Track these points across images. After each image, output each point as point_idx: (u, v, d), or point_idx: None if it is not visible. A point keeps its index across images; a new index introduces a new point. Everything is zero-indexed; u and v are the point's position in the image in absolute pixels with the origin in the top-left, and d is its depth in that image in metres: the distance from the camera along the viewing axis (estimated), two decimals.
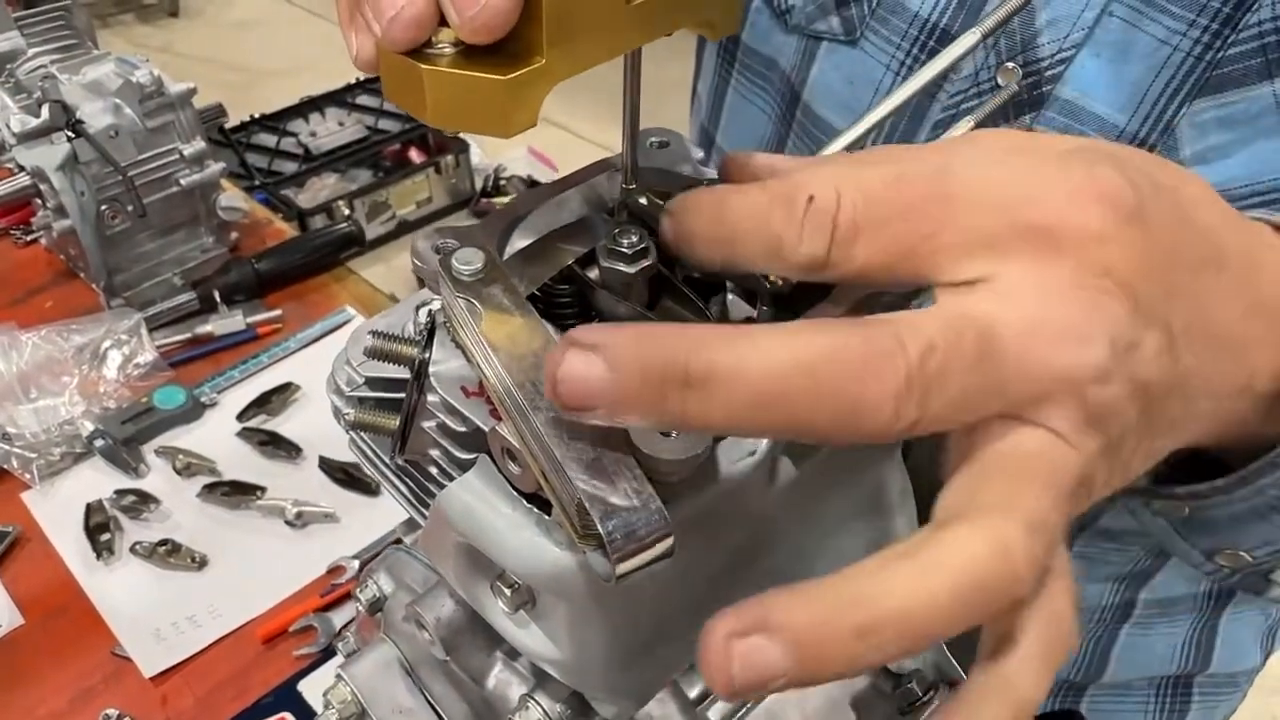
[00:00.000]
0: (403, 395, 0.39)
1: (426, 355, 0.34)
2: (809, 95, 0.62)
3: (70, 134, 0.99)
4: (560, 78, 0.28)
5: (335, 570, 0.85)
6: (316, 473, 0.93)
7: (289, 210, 2.63)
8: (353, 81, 3.07)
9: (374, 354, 0.34)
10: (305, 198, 2.76)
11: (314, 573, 0.85)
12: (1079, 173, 0.27)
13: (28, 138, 0.98)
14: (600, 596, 0.31)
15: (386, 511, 0.89)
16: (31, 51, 1.10)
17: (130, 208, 1.05)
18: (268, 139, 2.83)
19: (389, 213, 2.83)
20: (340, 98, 3.00)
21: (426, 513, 0.38)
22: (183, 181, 1.08)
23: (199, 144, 1.09)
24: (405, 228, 2.86)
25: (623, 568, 0.26)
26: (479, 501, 0.32)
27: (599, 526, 0.25)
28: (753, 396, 0.24)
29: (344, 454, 0.94)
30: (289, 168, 2.82)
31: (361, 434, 0.41)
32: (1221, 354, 0.30)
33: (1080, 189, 0.27)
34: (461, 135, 3.02)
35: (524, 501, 0.32)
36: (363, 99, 3.02)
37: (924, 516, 0.44)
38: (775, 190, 0.28)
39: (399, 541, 0.86)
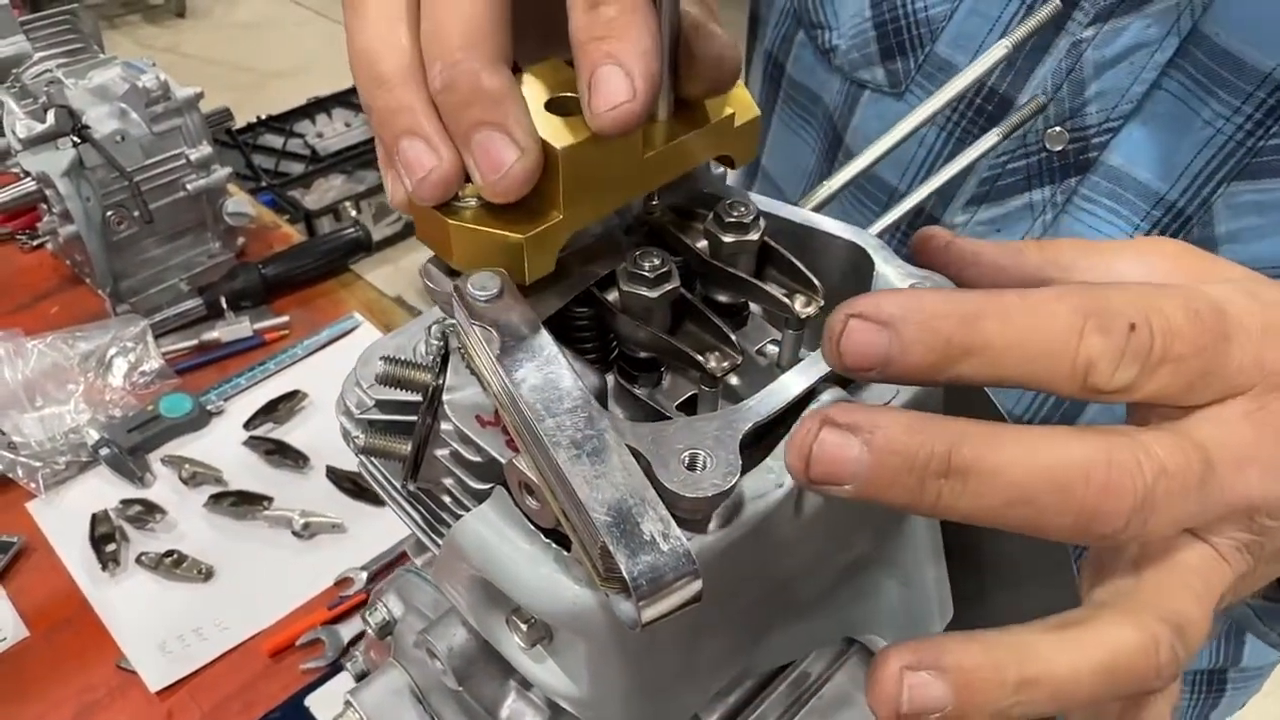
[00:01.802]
0: (414, 419, 0.38)
1: (440, 382, 0.32)
2: (851, 140, 0.63)
3: (76, 139, 0.98)
4: (577, 227, 0.30)
5: (343, 582, 0.84)
6: (324, 482, 0.92)
7: (295, 211, 2.63)
8: None
9: (386, 380, 0.33)
10: (312, 199, 2.76)
11: (321, 584, 0.84)
12: None
13: (33, 143, 0.97)
14: (621, 635, 0.30)
15: (395, 522, 0.88)
16: (37, 56, 1.09)
17: (136, 213, 1.04)
18: (274, 140, 2.83)
19: (395, 214, 2.82)
20: (347, 99, 3.00)
21: (439, 541, 0.37)
22: (189, 186, 1.08)
23: (205, 149, 1.08)
24: (412, 229, 2.84)
25: (648, 614, 0.24)
26: (495, 535, 0.31)
27: (624, 571, 0.24)
28: (1007, 495, 0.25)
29: (352, 463, 0.92)
30: (296, 169, 2.82)
31: (372, 459, 0.40)
32: None
33: None
34: None
35: (542, 536, 0.31)
36: None
37: (952, 561, 0.43)
38: (1089, 311, 0.26)
39: (404, 556, 0.85)
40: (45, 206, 1.05)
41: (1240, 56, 0.48)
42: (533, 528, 0.31)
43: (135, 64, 1.07)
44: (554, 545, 0.30)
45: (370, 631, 0.48)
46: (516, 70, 0.32)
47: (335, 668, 0.77)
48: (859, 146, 0.62)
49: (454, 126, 0.29)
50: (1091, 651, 0.27)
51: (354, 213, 2.69)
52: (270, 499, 0.89)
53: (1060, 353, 0.26)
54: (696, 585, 0.25)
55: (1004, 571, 0.46)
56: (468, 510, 0.35)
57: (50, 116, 0.98)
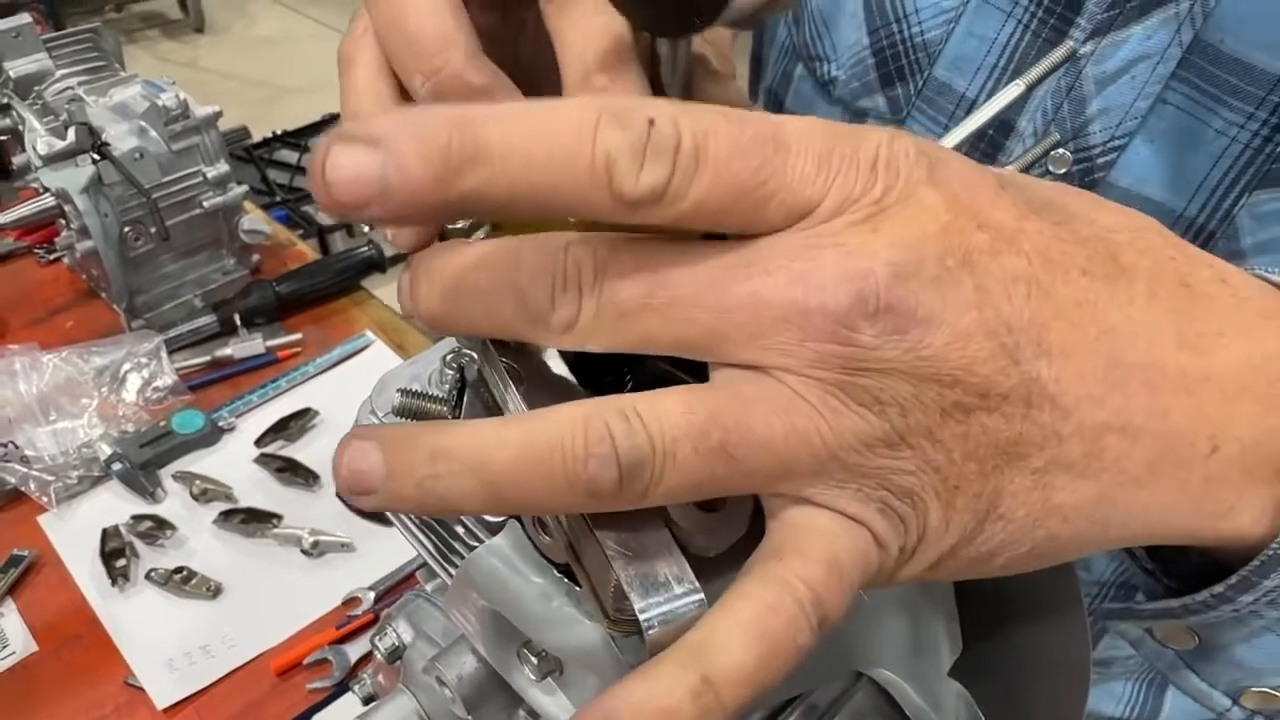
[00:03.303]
0: None
1: (457, 415, 0.33)
2: None
3: (95, 156, 0.99)
4: None
5: (351, 602, 0.84)
6: (333, 501, 0.92)
7: (309, 226, 2.65)
8: None
9: (402, 412, 0.33)
10: (325, 214, 2.78)
11: (329, 603, 0.84)
12: (877, 135, 0.26)
13: (54, 160, 0.98)
14: (631, 670, 0.30)
15: (403, 543, 0.88)
16: (60, 73, 1.10)
17: (154, 230, 1.05)
18: (289, 155, 2.85)
19: None
20: None
21: (450, 569, 0.37)
22: (205, 204, 1.08)
23: (223, 167, 1.09)
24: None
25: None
26: (507, 568, 0.31)
27: (637, 612, 0.24)
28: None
29: None
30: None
31: None
32: (1136, 386, 0.27)
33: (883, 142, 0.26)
34: None
35: (554, 570, 0.31)
36: None
37: (961, 595, 0.43)
38: (604, 107, 0.23)
39: (411, 577, 0.85)
40: (63, 221, 1.06)
41: (1249, 61, 0.46)
42: (545, 562, 0.31)
43: (155, 82, 1.08)
44: (566, 580, 0.30)
45: (379, 656, 0.48)
46: None
47: (342, 688, 0.77)
48: None
49: None
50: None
51: (366, 229, 2.71)
52: (280, 517, 0.89)
53: (575, 150, 0.22)
54: (702, 614, 0.25)
55: (1014, 606, 0.46)
56: (480, 541, 0.35)
57: (71, 134, 0.99)
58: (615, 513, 0.26)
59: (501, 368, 0.29)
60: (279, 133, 2.92)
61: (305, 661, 0.79)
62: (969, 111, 0.57)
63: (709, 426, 0.24)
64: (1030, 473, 0.26)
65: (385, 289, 1.18)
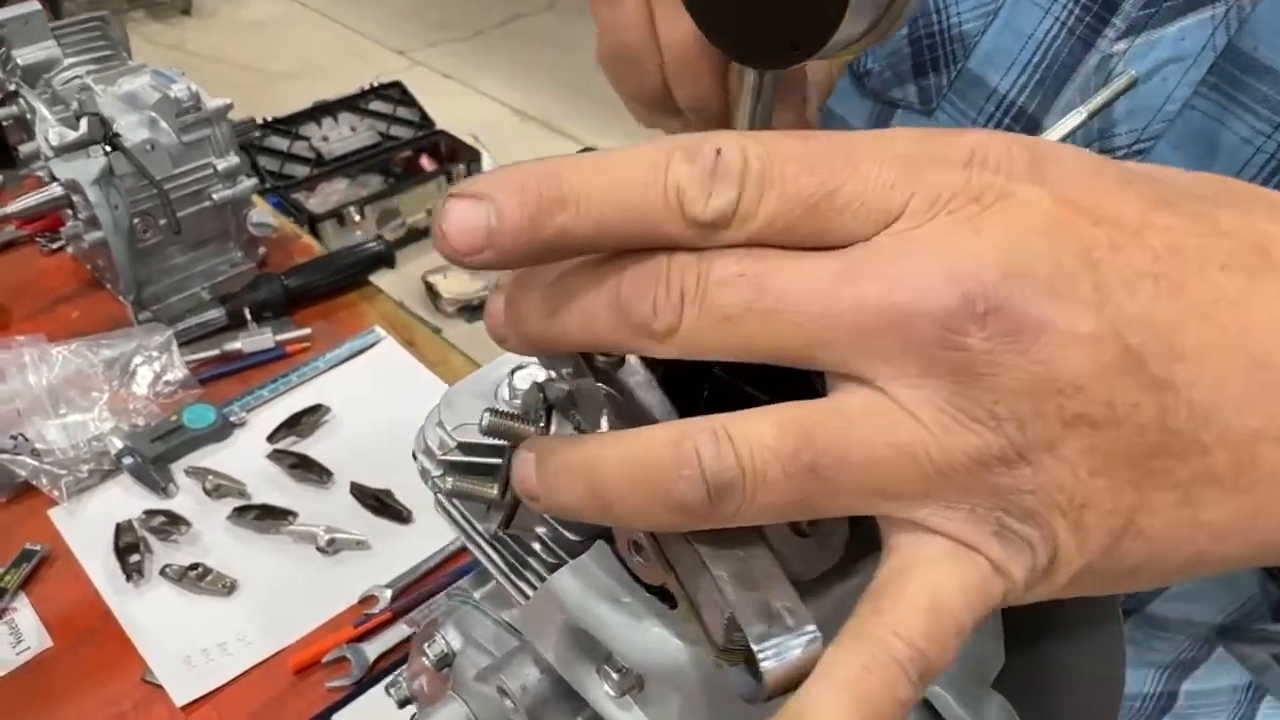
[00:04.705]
0: (497, 461, 0.39)
1: (547, 432, 0.33)
2: None
3: (107, 147, 0.98)
4: None
5: (368, 600, 0.84)
6: (347, 498, 0.92)
7: (299, 214, 2.63)
8: (365, 87, 3.06)
9: (491, 432, 0.34)
10: (316, 202, 2.76)
11: (346, 601, 0.84)
12: (972, 135, 0.26)
13: (65, 150, 0.97)
14: (717, 693, 0.31)
15: (418, 540, 0.89)
16: (67, 61, 1.09)
17: (163, 221, 1.05)
18: (280, 142, 2.83)
19: (399, 220, 2.82)
20: (353, 102, 3.00)
21: (520, 585, 0.38)
22: (215, 196, 1.08)
23: (233, 159, 1.08)
24: (415, 235, 2.86)
25: (772, 689, 0.25)
26: (597, 588, 0.32)
27: (753, 646, 0.25)
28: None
29: (375, 479, 0.93)
30: (300, 172, 2.82)
31: (455, 500, 0.41)
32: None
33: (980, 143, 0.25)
34: (473, 144, 3.03)
35: (644, 590, 0.31)
36: (375, 104, 3.02)
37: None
38: (675, 143, 0.25)
39: (427, 575, 0.85)
40: (70, 211, 1.05)
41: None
42: (635, 582, 0.31)
43: (164, 73, 1.07)
44: (657, 600, 0.31)
45: (427, 663, 0.49)
46: None
47: (361, 687, 0.78)
48: None
49: None
50: None
51: (358, 218, 2.69)
52: (295, 514, 0.89)
53: (649, 184, 0.25)
54: (818, 650, 0.26)
55: (1051, 619, 0.47)
56: (558, 559, 0.36)
57: (83, 124, 0.98)
58: (721, 539, 0.27)
59: (598, 389, 0.30)
60: (269, 119, 2.89)
61: (324, 660, 0.79)
62: (999, 108, 0.57)
63: (800, 447, 0.24)
64: (1173, 487, 0.24)
65: (376, 274, 1.17)
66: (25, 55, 1.08)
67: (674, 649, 0.30)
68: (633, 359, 0.31)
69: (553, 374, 0.34)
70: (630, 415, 0.29)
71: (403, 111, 3.02)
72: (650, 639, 0.31)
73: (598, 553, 0.32)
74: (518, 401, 0.40)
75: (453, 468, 0.40)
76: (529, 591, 0.37)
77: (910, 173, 0.25)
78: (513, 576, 0.38)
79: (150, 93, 1.04)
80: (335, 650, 0.80)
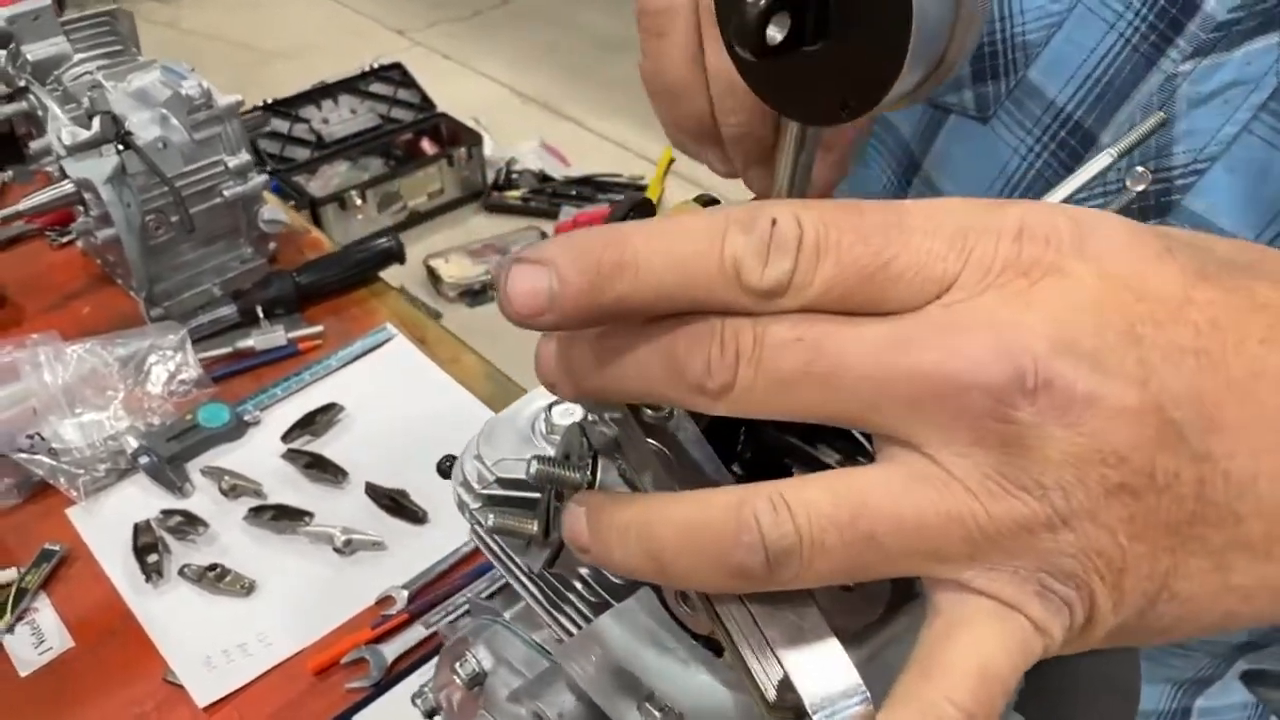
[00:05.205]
0: (535, 495, 0.40)
1: (592, 482, 0.34)
2: (930, 165, 0.62)
3: (120, 146, 0.98)
4: None
5: (385, 601, 0.85)
6: (362, 498, 0.93)
7: (301, 198, 2.63)
8: (365, 68, 3.05)
9: (540, 480, 0.34)
10: (316, 185, 2.76)
11: (363, 602, 0.85)
12: (1019, 207, 0.26)
13: (78, 149, 0.97)
14: None
15: (434, 540, 0.90)
16: (77, 57, 1.09)
17: (175, 219, 1.05)
18: (280, 125, 2.81)
19: (400, 203, 2.82)
20: (353, 84, 2.99)
21: (560, 620, 0.39)
22: (226, 193, 1.08)
23: (244, 156, 1.08)
24: (416, 218, 2.85)
25: None
26: (643, 632, 0.33)
27: (807, 705, 0.26)
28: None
29: (389, 479, 0.94)
30: (301, 155, 2.81)
31: (495, 535, 0.41)
32: None
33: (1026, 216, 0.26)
34: (474, 127, 3.01)
35: (689, 636, 0.32)
36: (376, 86, 3.00)
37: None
38: (730, 215, 0.26)
39: (443, 575, 0.86)
40: (81, 208, 1.05)
41: None
42: (679, 628, 0.32)
43: (174, 68, 1.07)
44: (702, 648, 0.32)
45: (459, 681, 0.50)
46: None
47: (379, 688, 0.79)
48: (939, 172, 0.63)
49: None
50: None
51: (359, 202, 2.69)
52: (311, 514, 0.90)
53: (706, 254, 0.25)
54: (869, 712, 0.27)
55: None
56: (600, 599, 0.37)
57: (95, 123, 0.98)
58: (774, 599, 0.28)
59: (647, 444, 0.31)
60: (269, 101, 2.87)
61: (342, 661, 0.80)
62: (1055, 120, 0.58)
63: (857, 515, 0.25)
64: (1207, 554, 0.25)
65: (391, 267, 1.17)
66: (35, 51, 1.07)
67: (721, 695, 0.31)
68: (680, 411, 0.31)
69: (594, 416, 0.34)
70: (679, 472, 0.30)
71: (403, 94, 3.01)
72: (697, 684, 0.32)
73: (643, 598, 0.33)
74: (555, 437, 0.41)
75: (491, 501, 0.40)
76: (570, 627, 0.38)
77: (962, 244, 0.25)
78: (551, 610, 0.39)
79: (161, 89, 1.04)
80: (354, 651, 0.81)
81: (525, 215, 2.90)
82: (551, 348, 0.30)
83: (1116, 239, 0.26)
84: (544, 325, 0.26)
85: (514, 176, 2.98)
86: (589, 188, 2.95)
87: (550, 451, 0.40)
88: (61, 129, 0.98)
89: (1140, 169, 0.53)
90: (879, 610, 0.30)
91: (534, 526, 0.38)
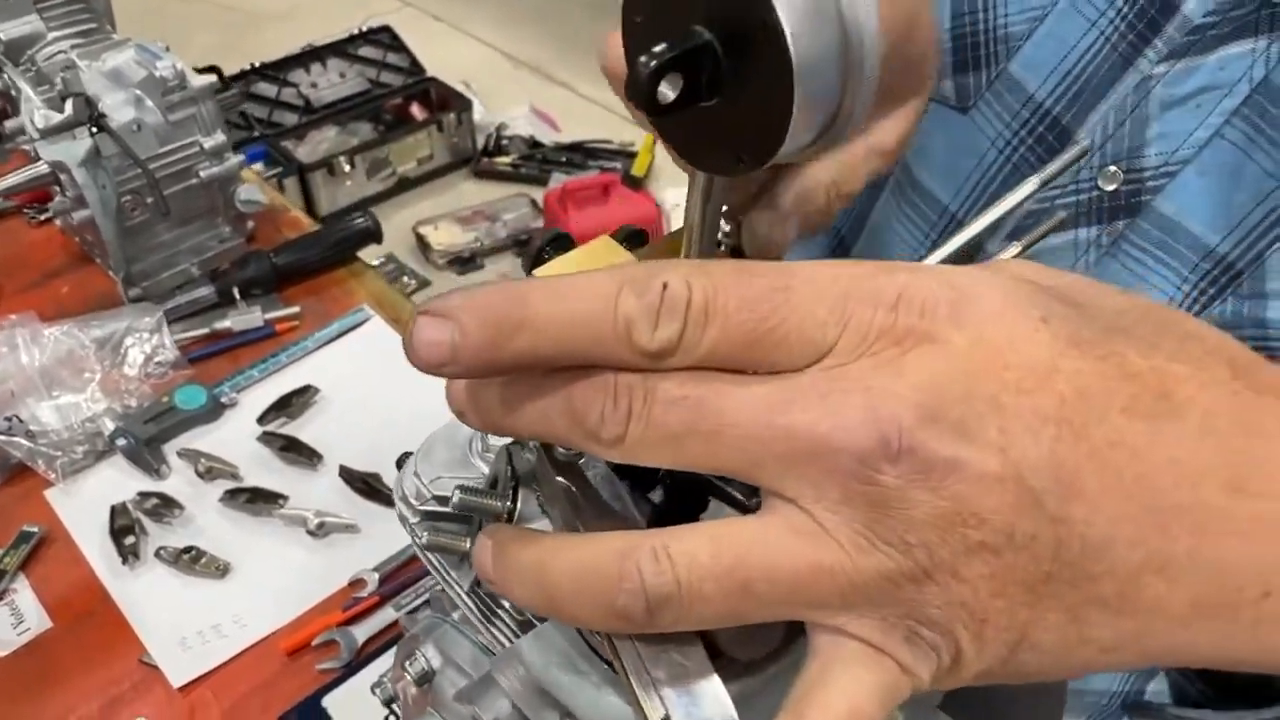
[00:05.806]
0: (470, 516, 0.41)
1: (514, 508, 0.35)
2: (911, 156, 0.63)
3: (94, 129, 0.98)
4: None
5: (356, 583, 0.87)
6: (336, 480, 0.95)
7: (289, 165, 2.62)
8: (355, 31, 3.02)
9: (462, 508, 0.36)
10: (305, 151, 2.75)
11: (335, 584, 0.87)
12: (903, 274, 0.27)
13: (51, 133, 0.98)
14: None
15: None
16: (51, 36, 1.08)
17: (150, 200, 1.05)
18: (268, 89, 2.79)
19: (389, 169, 2.81)
20: (342, 48, 2.96)
21: (494, 630, 0.40)
22: (202, 174, 1.08)
23: (219, 137, 1.09)
24: (405, 185, 2.84)
25: None
26: (559, 654, 0.34)
27: None
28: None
29: (363, 462, 0.96)
30: (289, 119, 2.80)
31: (431, 553, 0.43)
32: (1179, 528, 0.26)
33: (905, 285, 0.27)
34: (464, 92, 2.99)
35: (600, 660, 0.34)
36: (365, 50, 2.98)
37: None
38: (626, 276, 0.27)
39: (415, 560, 0.87)
40: (58, 188, 1.06)
41: None
42: (591, 652, 0.34)
43: (149, 47, 1.07)
44: (613, 672, 0.33)
45: (408, 678, 0.52)
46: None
47: (350, 669, 0.81)
48: (918, 161, 0.64)
49: None
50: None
51: (348, 168, 2.68)
52: (286, 497, 0.92)
53: (601, 315, 0.27)
54: None
55: None
56: (524, 617, 0.38)
57: (68, 106, 0.98)
58: (661, 640, 0.29)
59: (558, 483, 0.32)
60: (256, 65, 2.85)
61: (314, 643, 0.83)
62: (1033, 114, 0.58)
63: (734, 566, 0.27)
64: (1063, 609, 0.27)
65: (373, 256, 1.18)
66: (8, 30, 1.07)
67: (627, 715, 0.33)
68: None
69: (518, 447, 0.36)
70: (585, 510, 0.31)
71: (393, 58, 2.98)
72: (607, 705, 0.33)
73: (558, 623, 0.35)
74: (490, 455, 0.42)
75: (428, 517, 0.42)
76: (502, 640, 0.40)
77: (841, 311, 0.27)
78: (485, 621, 0.41)
79: (135, 69, 1.04)
80: (325, 633, 0.83)
81: (515, 182, 2.89)
82: (460, 382, 0.31)
83: (993, 307, 0.27)
84: (448, 374, 0.28)
85: (504, 142, 2.96)
86: (579, 154, 2.94)
87: (485, 469, 0.42)
88: (35, 111, 0.98)
89: (1113, 168, 0.54)
90: (775, 642, 0.32)
91: (466, 544, 0.39)
